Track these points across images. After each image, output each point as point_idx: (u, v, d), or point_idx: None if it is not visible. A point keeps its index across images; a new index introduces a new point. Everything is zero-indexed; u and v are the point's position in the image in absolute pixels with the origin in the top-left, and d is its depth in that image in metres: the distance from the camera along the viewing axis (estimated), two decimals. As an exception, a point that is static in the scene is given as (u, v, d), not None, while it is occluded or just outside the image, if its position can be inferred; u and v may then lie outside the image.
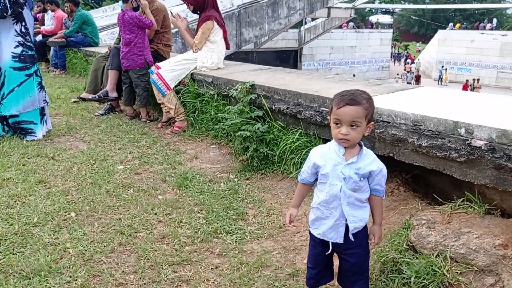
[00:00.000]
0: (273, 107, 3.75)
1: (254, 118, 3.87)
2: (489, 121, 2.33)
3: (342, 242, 1.96)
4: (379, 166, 1.93)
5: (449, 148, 2.42)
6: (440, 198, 2.68)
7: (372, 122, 1.90)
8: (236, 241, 2.76)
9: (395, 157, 2.80)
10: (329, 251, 2.00)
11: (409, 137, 2.62)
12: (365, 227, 2.00)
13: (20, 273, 2.37)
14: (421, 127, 2.58)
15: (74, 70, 8.97)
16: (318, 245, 2.03)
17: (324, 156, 1.95)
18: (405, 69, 36.44)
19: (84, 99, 6.37)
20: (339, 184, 1.91)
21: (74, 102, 6.41)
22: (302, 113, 3.43)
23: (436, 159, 2.54)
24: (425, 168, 2.90)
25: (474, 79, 28.89)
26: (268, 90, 3.83)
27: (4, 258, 2.51)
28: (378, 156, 2.96)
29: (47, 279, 2.34)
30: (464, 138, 2.37)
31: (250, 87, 3.98)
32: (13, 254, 2.56)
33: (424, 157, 2.61)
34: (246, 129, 3.75)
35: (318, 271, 2.08)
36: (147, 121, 5.38)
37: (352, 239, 1.95)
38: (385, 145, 2.85)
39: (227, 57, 6.19)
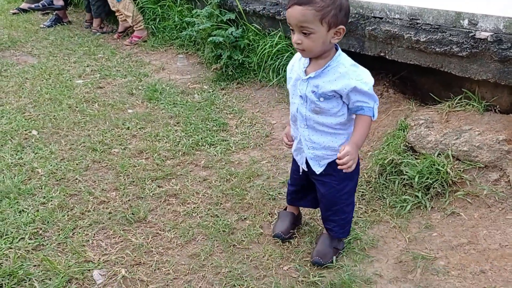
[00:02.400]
0: (247, 9, 3.41)
1: (226, 22, 3.53)
2: (496, 10, 2.16)
3: (305, 169, 1.72)
4: (347, 84, 1.48)
5: (450, 42, 2.26)
6: (428, 99, 2.58)
7: (342, 27, 1.45)
8: (221, 153, 2.58)
9: (387, 57, 2.62)
10: (300, 173, 1.78)
11: (405, 32, 2.43)
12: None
13: (-16, 197, 2.10)
14: (418, 21, 2.39)
15: (7, -21, 7.96)
16: (294, 161, 1.82)
17: (293, 65, 1.64)
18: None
19: (25, 10, 5.66)
20: (296, 103, 1.61)
21: (14, 14, 5.69)
22: (282, 13, 3.13)
23: (433, 55, 2.39)
24: (412, 70, 2.77)
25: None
26: (240, -10, 3.46)
27: (-38, 182, 2.22)
28: (367, 57, 2.81)
29: (17, 201, 2.09)
30: (467, 30, 2.20)
31: (219, -13, 3.59)
32: (-28, 177, 2.27)
33: (421, 54, 2.45)
34: (217, 34, 3.42)
35: (294, 190, 1.89)
36: (98, 33, 4.86)
37: (317, 169, 1.67)
38: (376, 44, 2.65)
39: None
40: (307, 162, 1.70)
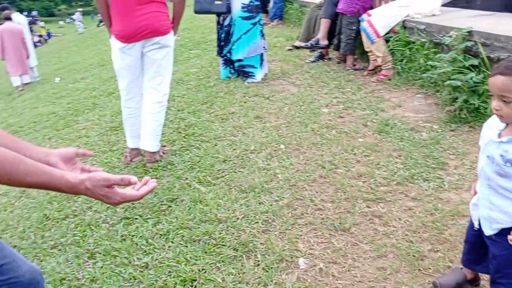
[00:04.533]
0: (492, 56, 3.43)
1: (468, 67, 3.62)
2: None
3: (478, 227, 1.73)
4: None
5: None
6: None
7: None
8: (432, 188, 2.76)
9: None
10: (475, 228, 1.77)
11: None
12: None
13: (239, 187, 2.87)
14: None
15: (290, 20, 9.55)
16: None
17: (491, 123, 1.67)
18: None
19: (297, 47, 6.79)
20: (483, 161, 1.64)
21: (288, 50, 6.90)
22: (526, 62, 3.06)
23: None
24: None
25: None
26: (488, 37, 3.50)
27: (228, 174, 3.07)
28: None
29: (259, 195, 2.78)
30: None
31: (467, 33, 3.70)
32: (235, 172, 3.10)
33: None
34: (457, 78, 3.55)
35: (469, 248, 1.90)
36: (350, 70, 5.49)
37: (487, 231, 1.67)
38: None
39: (444, 4, 5.73)
40: (479, 220, 1.75)
